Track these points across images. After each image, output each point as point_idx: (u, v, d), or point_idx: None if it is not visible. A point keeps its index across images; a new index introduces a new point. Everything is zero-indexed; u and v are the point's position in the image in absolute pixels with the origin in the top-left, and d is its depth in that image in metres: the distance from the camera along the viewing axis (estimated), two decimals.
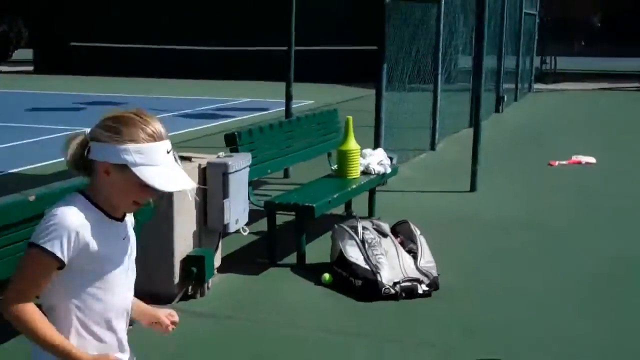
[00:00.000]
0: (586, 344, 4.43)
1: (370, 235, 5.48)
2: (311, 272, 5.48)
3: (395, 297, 5.01)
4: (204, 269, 4.93)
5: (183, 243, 4.95)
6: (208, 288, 5.10)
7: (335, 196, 5.87)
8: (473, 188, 8.22)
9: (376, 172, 6.66)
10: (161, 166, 2.08)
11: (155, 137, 2.08)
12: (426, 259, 5.40)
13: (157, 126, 2.09)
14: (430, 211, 7.12)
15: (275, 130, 6.36)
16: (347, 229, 5.53)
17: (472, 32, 12.07)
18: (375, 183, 6.66)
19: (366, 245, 5.37)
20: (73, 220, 2.05)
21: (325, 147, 7.03)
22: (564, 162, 9.93)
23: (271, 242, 5.68)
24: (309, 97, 17.28)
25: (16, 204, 3.53)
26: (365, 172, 6.59)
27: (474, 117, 14.16)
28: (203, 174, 5.04)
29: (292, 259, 5.70)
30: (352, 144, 6.44)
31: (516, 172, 9.46)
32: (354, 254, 5.34)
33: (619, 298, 5.15)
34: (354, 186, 6.24)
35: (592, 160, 10.08)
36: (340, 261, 5.40)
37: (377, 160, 6.75)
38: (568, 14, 24.12)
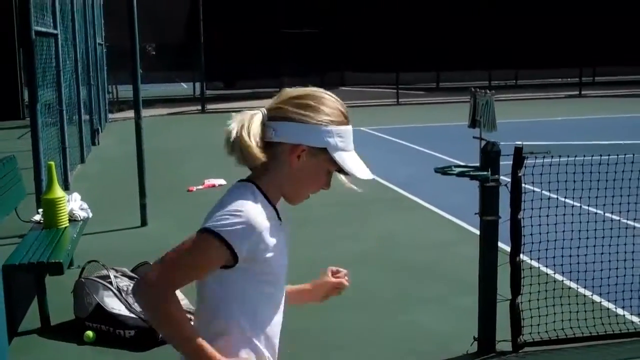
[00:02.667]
0: None
1: (124, 282, 5.26)
2: (63, 332, 5.06)
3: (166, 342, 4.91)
4: None
5: None
6: None
7: (69, 248, 5.46)
8: (144, 223, 8.18)
9: (81, 217, 6.31)
10: (353, 152, 1.91)
11: (349, 120, 1.90)
12: None
13: (342, 104, 1.92)
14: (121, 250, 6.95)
15: None
16: (99, 280, 5.21)
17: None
18: (83, 228, 6.30)
19: (123, 294, 5.14)
20: (261, 222, 1.81)
21: (13, 201, 6.40)
22: (201, 187, 10.36)
23: (11, 309, 5.07)
24: None
25: None
26: (71, 219, 6.20)
27: (84, 150, 13.92)
28: None
29: (32, 323, 5.18)
30: (59, 192, 6.01)
31: (164, 201, 9.54)
32: (115, 305, 5.07)
33: None
34: (74, 235, 5.84)
35: (223, 182, 10.64)
36: (97, 315, 5.07)
37: (78, 205, 6.40)
38: (125, 42, 24.63)
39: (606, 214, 5.64)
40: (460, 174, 4.41)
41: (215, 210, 1.84)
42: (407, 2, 26.89)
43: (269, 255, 1.85)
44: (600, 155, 4.75)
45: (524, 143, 4.40)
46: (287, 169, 1.88)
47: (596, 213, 5.59)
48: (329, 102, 1.89)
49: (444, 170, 4.44)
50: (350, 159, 1.89)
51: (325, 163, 1.88)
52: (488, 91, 4.42)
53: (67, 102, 10.95)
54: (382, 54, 26.68)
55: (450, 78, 28.74)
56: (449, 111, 19.82)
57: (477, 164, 4.47)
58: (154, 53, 29.27)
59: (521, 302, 4.56)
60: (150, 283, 1.77)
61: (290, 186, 1.91)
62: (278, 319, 1.97)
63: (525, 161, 4.42)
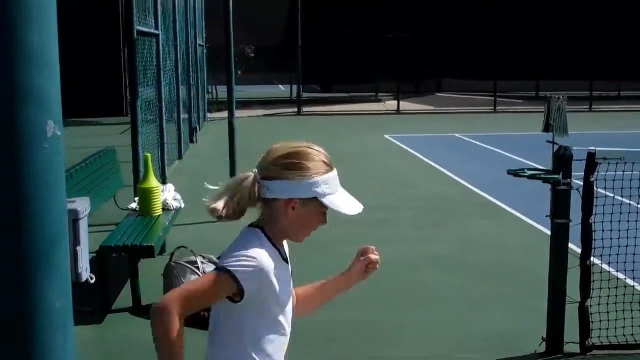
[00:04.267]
0: None
1: (210, 268, 5.58)
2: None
3: None
4: None
5: None
6: None
7: (161, 234, 5.84)
8: None
9: (174, 207, 6.70)
10: (340, 192, 2.17)
11: (331, 166, 2.17)
12: None
13: (324, 153, 2.18)
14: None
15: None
16: (187, 265, 5.56)
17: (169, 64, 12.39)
18: (176, 218, 6.69)
19: None
20: (268, 265, 2.10)
21: (112, 190, 6.86)
22: None
23: (105, 289, 5.48)
24: None
25: None
26: (164, 209, 6.60)
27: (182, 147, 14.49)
28: None
29: (125, 303, 5.56)
30: (154, 182, 6.41)
31: None
32: None
33: None
34: (166, 223, 6.23)
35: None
36: None
37: (172, 196, 6.80)
38: (221, 44, 25.38)
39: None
40: (532, 177, 4.52)
41: (231, 251, 2.12)
42: (507, 10, 26.65)
43: (276, 289, 2.14)
44: None
45: (598, 149, 4.48)
46: (285, 219, 2.16)
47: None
48: (313, 156, 2.15)
49: (516, 172, 4.56)
50: (338, 200, 2.16)
51: (317, 208, 2.16)
52: (561, 97, 4.51)
53: (166, 100, 11.46)
54: (481, 61, 26.51)
55: (550, 87, 28.27)
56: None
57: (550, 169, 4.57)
58: (253, 55, 29.93)
59: (590, 306, 4.62)
60: (170, 298, 2.06)
61: (291, 231, 2.20)
62: (283, 340, 2.24)
63: (598, 167, 4.49)
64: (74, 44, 17.03)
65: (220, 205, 2.14)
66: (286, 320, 2.23)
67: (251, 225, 2.20)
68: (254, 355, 2.16)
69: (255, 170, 2.16)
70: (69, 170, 5.72)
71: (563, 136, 4.55)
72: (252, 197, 2.12)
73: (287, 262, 2.24)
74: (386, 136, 16.84)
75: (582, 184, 4.53)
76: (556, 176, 4.47)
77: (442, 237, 7.67)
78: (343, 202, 2.16)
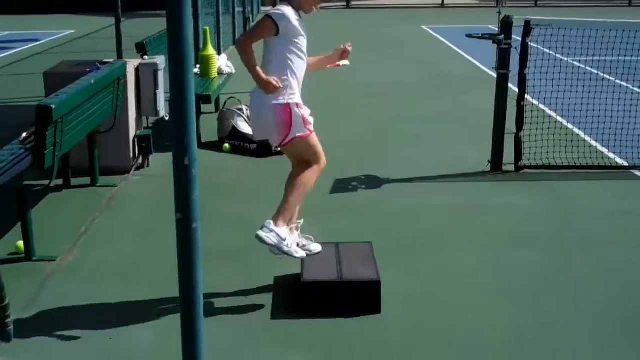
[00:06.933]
0: None
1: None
2: (210, 146, 7.36)
3: (280, 153, 7.06)
4: (150, 145, 6.61)
5: (133, 127, 6.57)
6: (148, 160, 6.77)
7: (215, 89, 7.73)
8: None
9: (226, 72, 8.55)
10: None
11: None
12: None
13: None
14: None
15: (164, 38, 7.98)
16: (235, 110, 7.45)
17: None
18: (228, 80, 8.55)
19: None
20: (289, 12, 3.95)
21: None
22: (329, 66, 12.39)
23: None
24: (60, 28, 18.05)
25: (85, 86, 5.07)
26: (219, 73, 8.45)
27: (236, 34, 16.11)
28: (137, 73, 6.63)
29: None
30: (211, 50, 8.26)
31: None
32: (245, 127, 7.29)
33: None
34: (220, 82, 8.10)
35: (347, 62, 12.60)
36: (232, 134, 7.32)
37: (225, 63, 8.64)
38: None
39: (591, 69, 7.35)
40: (483, 37, 6.20)
41: (270, 9, 3.98)
42: None
43: (296, 28, 3.97)
44: (591, 29, 6.47)
45: (532, 17, 6.13)
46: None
47: (584, 68, 7.29)
48: None
49: (470, 35, 6.25)
50: None
51: None
52: None
53: None
54: None
55: None
56: (592, 14, 20.60)
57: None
58: None
59: (523, 136, 6.37)
60: (241, 38, 4.02)
61: (303, 4, 4.05)
62: (303, 65, 4.09)
63: (532, 31, 6.14)
64: None
65: None
66: (304, 49, 4.07)
67: (282, 1, 4.04)
68: (287, 73, 4.00)
69: None
70: (149, 39, 7.60)
71: (505, 5, 6.18)
72: None
73: (303, 21, 4.06)
74: (423, 26, 18.30)
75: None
76: (500, 36, 6.14)
77: (442, 101, 9.40)
78: None
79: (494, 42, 6.23)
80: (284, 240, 4.00)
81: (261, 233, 3.99)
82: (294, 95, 4.01)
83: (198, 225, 2.55)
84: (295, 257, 4.06)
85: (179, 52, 2.33)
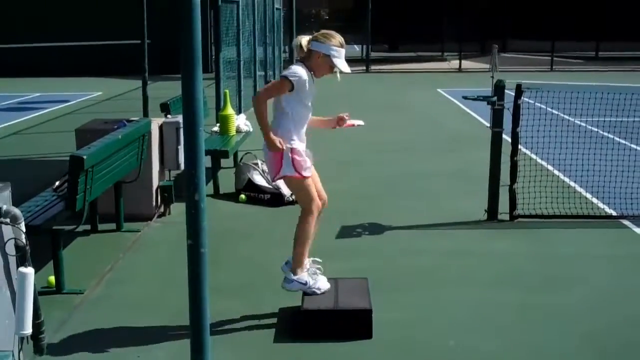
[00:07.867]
0: None
1: (265, 167, 8.01)
2: (227, 197, 7.91)
3: (292, 202, 7.59)
4: (172, 195, 7.17)
5: (156, 178, 7.14)
6: (170, 209, 7.32)
7: (233, 145, 8.32)
8: None
9: (244, 130, 9.16)
10: (342, 59, 4.53)
11: (343, 45, 4.54)
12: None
13: (342, 39, 4.53)
14: None
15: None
16: (251, 164, 8.02)
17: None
18: (246, 138, 9.14)
19: (265, 174, 7.90)
20: (302, 73, 4.48)
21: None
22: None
23: (215, 179, 8.00)
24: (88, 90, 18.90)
25: (113, 140, 5.65)
26: (237, 131, 9.06)
27: None
28: (161, 130, 7.23)
29: (208, 191, 8.05)
30: (230, 110, 8.89)
31: None
32: (259, 180, 7.84)
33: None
34: (238, 139, 8.70)
35: (361, 122, 13.20)
36: (249, 186, 7.87)
37: (243, 122, 9.26)
38: (301, 7, 27.84)
39: (581, 124, 7.89)
40: (477, 99, 6.74)
41: (287, 69, 4.53)
42: None
43: (307, 87, 4.50)
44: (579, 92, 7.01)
45: (524, 82, 6.67)
46: (314, 61, 4.56)
47: (580, 125, 7.85)
48: (335, 37, 4.58)
49: (466, 97, 6.80)
50: (339, 62, 4.54)
51: (330, 62, 4.53)
52: (496, 45, 6.71)
53: (244, 58, 13.87)
54: (542, 21, 28.01)
55: (611, 48, 29.56)
56: (604, 78, 21.12)
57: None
58: (327, 17, 32.20)
59: (517, 187, 6.85)
60: (258, 94, 4.56)
61: (315, 69, 4.57)
62: (308, 115, 4.61)
63: (523, 94, 6.68)
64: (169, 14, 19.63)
65: (297, 49, 4.57)
66: (310, 105, 4.60)
67: (298, 61, 4.58)
68: (292, 122, 4.51)
69: (310, 36, 4.58)
70: (172, 100, 8.23)
71: (496, 72, 6.75)
72: (305, 47, 4.53)
73: (313, 80, 4.59)
74: (438, 90, 18.96)
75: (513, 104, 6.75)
76: (493, 98, 6.68)
77: (447, 158, 9.92)
78: (341, 64, 4.52)
79: (488, 104, 6.76)
80: (306, 284, 4.59)
81: (285, 285, 4.65)
82: (293, 141, 4.52)
83: (206, 251, 3.07)
84: (321, 293, 4.62)
85: (191, 109, 2.96)
